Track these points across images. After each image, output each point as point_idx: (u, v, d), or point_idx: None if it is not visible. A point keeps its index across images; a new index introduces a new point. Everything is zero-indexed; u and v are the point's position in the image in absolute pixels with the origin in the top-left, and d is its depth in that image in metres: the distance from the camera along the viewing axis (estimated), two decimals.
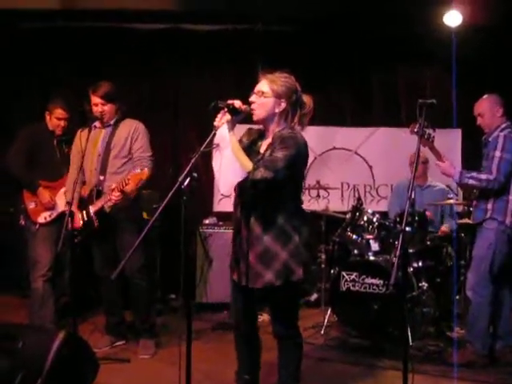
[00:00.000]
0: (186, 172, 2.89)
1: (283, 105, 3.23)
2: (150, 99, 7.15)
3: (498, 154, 4.38)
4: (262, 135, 3.31)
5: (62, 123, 5.19)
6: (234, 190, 3.32)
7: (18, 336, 3.41)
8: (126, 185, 4.30)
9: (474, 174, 4.43)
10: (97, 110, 4.69)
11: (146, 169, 4.41)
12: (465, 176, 4.43)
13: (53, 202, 5.08)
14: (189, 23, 6.99)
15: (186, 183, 2.90)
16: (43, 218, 5.07)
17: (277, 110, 3.23)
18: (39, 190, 5.07)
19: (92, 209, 4.62)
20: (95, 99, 4.69)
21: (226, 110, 3.10)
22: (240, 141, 3.15)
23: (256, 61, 6.62)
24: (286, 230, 3.18)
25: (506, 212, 4.39)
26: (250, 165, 3.08)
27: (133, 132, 4.75)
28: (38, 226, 5.06)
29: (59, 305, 5.50)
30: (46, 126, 5.22)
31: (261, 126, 3.32)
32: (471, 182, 4.43)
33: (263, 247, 3.16)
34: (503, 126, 4.53)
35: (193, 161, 2.91)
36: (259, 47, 6.89)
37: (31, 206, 5.09)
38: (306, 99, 3.32)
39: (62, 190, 5.10)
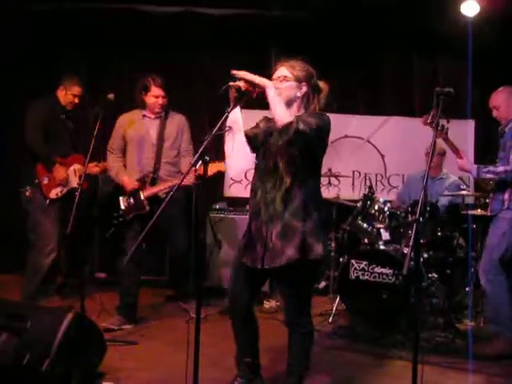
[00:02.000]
0: (197, 155, 2.87)
1: (304, 89, 3.26)
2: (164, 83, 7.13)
3: None
4: None
5: (77, 100, 5.36)
6: (254, 174, 3.32)
7: (26, 316, 3.43)
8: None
9: (491, 168, 4.39)
10: (157, 101, 4.91)
11: (223, 163, 4.47)
12: (482, 171, 4.39)
13: (67, 179, 5.21)
14: (202, 7, 6.94)
15: (197, 166, 2.88)
16: (54, 194, 5.22)
17: (299, 94, 3.26)
18: (56, 166, 5.20)
19: (144, 194, 4.85)
20: (159, 91, 4.91)
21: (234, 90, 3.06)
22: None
23: (270, 46, 6.60)
24: (308, 206, 3.17)
25: None
26: (291, 116, 3.05)
27: (182, 125, 5.09)
28: (48, 202, 5.19)
29: (56, 284, 5.58)
30: (57, 101, 5.34)
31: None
32: (489, 175, 4.39)
33: (283, 224, 3.15)
34: None
35: (205, 143, 2.89)
36: (273, 32, 6.83)
37: (45, 181, 5.20)
38: (322, 84, 3.36)
39: (73, 166, 5.25)
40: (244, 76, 3.04)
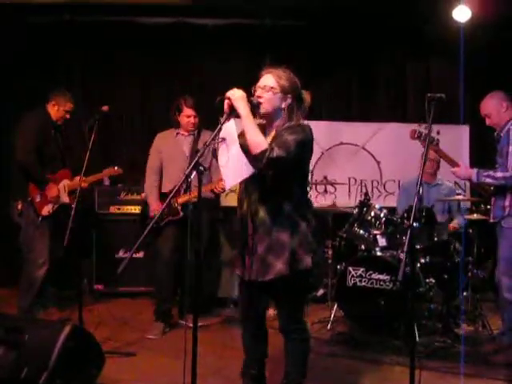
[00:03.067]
0: (192, 165, 2.88)
1: (289, 100, 3.22)
2: (156, 93, 7.16)
3: (511, 149, 4.33)
4: (263, 133, 3.25)
5: (68, 115, 5.42)
6: (240, 185, 3.31)
7: (24, 329, 3.43)
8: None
9: (491, 173, 4.39)
10: (190, 121, 5.26)
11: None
12: (482, 175, 4.39)
13: (59, 196, 5.27)
14: (195, 17, 6.98)
15: (192, 176, 2.90)
16: (46, 211, 5.25)
17: (283, 106, 3.22)
18: (48, 185, 5.26)
19: (179, 200, 5.13)
20: (190, 111, 5.25)
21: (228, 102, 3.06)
22: (241, 135, 3.11)
23: (263, 55, 6.62)
24: (294, 218, 3.16)
25: None
26: (265, 144, 3.04)
27: None
28: (40, 219, 5.23)
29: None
30: (48, 116, 5.36)
31: (263, 121, 3.28)
32: (488, 180, 4.39)
33: (272, 238, 3.14)
34: None
35: (199, 154, 2.91)
36: (266, 42, 6.87)
37: (37, 199, 5.24)
38: (306, 95, 3.32)
39: (62, 182, 5.32)
40: (229, 96, 3.04)
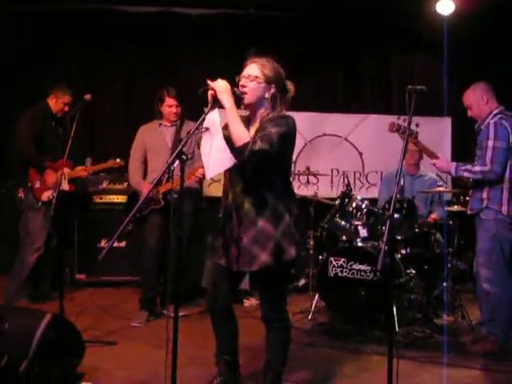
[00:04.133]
0: (174, 154, 2.88)
1: (273, 90, 3.22)
2: (140, 83, 7.13)
3: (490, 143, 4.33)
4: (247, 122, 3.26)
5: (67, 108, 5.63)
6: (224, 174, 3.32)
7: (3, 318, 3.42)
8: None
9: (469, 167, 4.40)
10: (171, 110, 5.28)
11: None
12: (460, 169, 4.41)
13: (57, 182, 5.34)
14: (181, 7, 6.96)
15: (175, 165, 2.90)
16: (46, 196, 5.47)
17: (267, 95, 3.22)
18: (47, 171, 5.48)
19: (161, 189, 5.15)
20: (172, 101, 5.27)
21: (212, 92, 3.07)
22: (225, 127, 3.12)
23: (248, 46, 6.60)
24: (278, 209, 3.18)
25: (502, 201, 4.34)
26: (247, 136, 3.06)
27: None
28: (40, 204, 5.44)
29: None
30: (48, 108, 5.61)
31: (245, 113, 3.29)
32: (466, 174, 4.40)
33: (257, 229, 3.16)
34: (495, 111, 4.48)
35: (182, 143, 2.91)
36: (251, 32, 6.86)
37: (37, 185, 5.49)
38: (289, 85, 3.33)
39: (63, 170, 5.37)
40: (213, 87, 3.04)
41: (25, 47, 6.82)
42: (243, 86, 3.18)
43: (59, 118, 5.64)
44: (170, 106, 5.28)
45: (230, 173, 3.26)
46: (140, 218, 5.21)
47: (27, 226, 5.52)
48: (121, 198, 6.46)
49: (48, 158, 5.48)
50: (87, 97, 4.71)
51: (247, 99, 3.19)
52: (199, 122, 3.04)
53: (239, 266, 3.23)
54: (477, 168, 4.38)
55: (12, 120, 5.65)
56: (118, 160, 5.63)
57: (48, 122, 5.56)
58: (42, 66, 6.95)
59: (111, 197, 6.57)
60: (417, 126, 4.35)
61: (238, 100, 3.16)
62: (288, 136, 3.15)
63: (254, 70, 3.21)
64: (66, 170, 5.50)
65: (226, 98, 3.04)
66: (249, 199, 3.18)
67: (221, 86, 3.04)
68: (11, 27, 6.72)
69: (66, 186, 5.50)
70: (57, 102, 5.60)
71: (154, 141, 5.33)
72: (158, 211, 5.19)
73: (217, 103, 3.06)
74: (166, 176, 5.09)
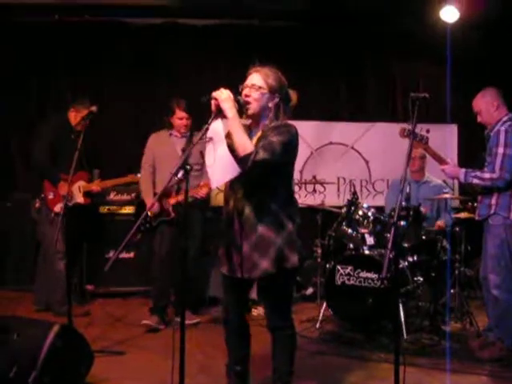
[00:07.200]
0: (179, 165, 2.90)
1: (276, 99, 3.23)
2: (144, 94, 7.16)
3: (500, 150, 4.33)
4: (249, 131, 3.27)
5: (87, 121, 5.54)
6: (226, 183, 3.33)
7: (12, 328, 3.44)
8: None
9: (478, 174, 4.39)
10: (182, 123, 5.35)
11: None
12: (469, 176, 4.40)
13: (71, 194, 5.54)
14: (186, 18, 7.00)
15: (179, 176, 2.92)
16: (59, 208, 5.47)
17: (270, 105, 3.23)
18: (60, 184, 5.53)
19: (170, 201, 5.23)
20: (183, 114, 5.34)
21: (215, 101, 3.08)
22: (228, 136, 3.13)
23: (252, 56, 6.63)
24: (280, 217, 3.19)
25: (510, 207, 4.33)
26: (251, 146, 3.07)
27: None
28: (53, 215, 5.51)
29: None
30: (67, 121, 5.73)
31: (248, 122, 3.30)
32: (475, 181, 4.40)
33: (258, 236, 3.17)
34: (505, 118, 4.48)
35: (186, 153, 2.93)
36: (255, 42, 6.90)
37: (50, 196, 5.59)
38: (292, 94, 3.35)
39: (78, 183, 5.63)
40: (216, 97, 3.06)
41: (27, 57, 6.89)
42: (247, 96, 3.19)
43: (79, 131, 5.56)
44: (181, 119, 5.34)
45: (231, 180, 3.24)
46: (150, 228, 5.28)
47: (45, 238, 5.61)
48: (128, 209, 6.49)
49: (64, 171, 5.42)
50: (93, 108, 4.76)
51: (251, 109, 3.20)
52: (202, 131, 3.05)
53: (238, 273, 3.24)
54: (486, 175, 4.37)
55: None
56: (138, 175, 5.60)
57: (67, 135, 5.56)
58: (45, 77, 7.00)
59: (119, 207, 6.59)
60: (427, 131, 4.34)
61: (241, 109, 3.18)
62: (290, 145, 3.16)
63: (258, 80, 3.22)
64: (82, 183, 5.66)
65: (229, 108, 3.05)
66: (249, 205, 3.18)
67: (223, 96, 3.06)
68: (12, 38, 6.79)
69: (80, 199, 5.66)
70: (76, 116, 5.65)
71: (164, 150, 5.35)
72: (169, 222, 5.25)
73: (220, 113, 3.08)
74: (176, 187, 5.20)
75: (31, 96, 7.00)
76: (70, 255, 5.19)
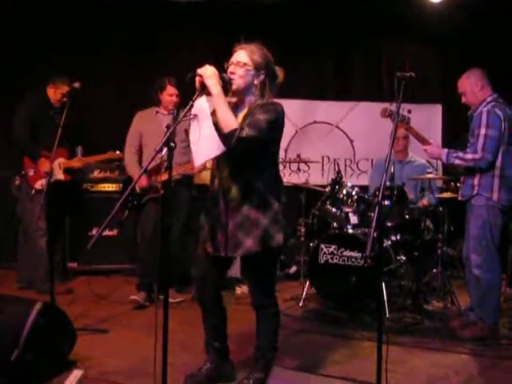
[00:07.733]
0: (162, 141, 2.88)
1: (262, 76, 3.22)
2: (130, 72, 7.09)
3: (482, 131, 4.33)
4: (235, 108, 3.25)
5: (65, 98, 5.47)
6: (212, 161, 3.31)
7: None
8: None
9: (460, 154, 4.40)
10: (172, 99, 5.34)
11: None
12: (452, 156, 4.41)
13: (52, 171, 5.41)
14: None
15: (163, 153, 2.90)
16: (39, 184, 5.50)
17: (256, 82, 3.22)
18: (41, 160, 5.50)
19: (160, 178, 5.20)
20: (173, 90, 5.34)
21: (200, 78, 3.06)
22: (213, 113, 3.11)
23: (239, 31, 6.57)
24: (267, 196, 3.19)
25: (493, 188, 4.36)
26: (235, 123, 3.05)
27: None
28: (34, 192, 5.49)
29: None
30: (46, 98, 5.68)
31: (234, 99, 3.28)
32: (458, 161, 4.41)
33: (243, 216, 3.17)
34: (489, 99, 4.48)
35: (170, 130, 2.90)
36: (242, 18, 6.82)
37: (30, 173, 5.56)
38: (278, 71, 3.32)
39: (58, 160, 5.58)
40: (201, 74, 3.03)
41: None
42: (232, 73, 3.17)
43: (57, 107, 5.63)
44: (171, 95, 5.33)
45: (217, 158, 3.24)
46: (137, 205, 5.28)
47: (26, 216, 5.62)
48: (112, 187, 6.46)
49: (43, 147, 5.48)
50: (76, 85, 4.73)
51: (236, 85, 3.18)
52: (187, 108, 3.02)
53: (227, 252, 3.24)
54: (468, 156, 4.39)
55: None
56: (117, 152, 5.66)
57: (45, 111, 5.59)
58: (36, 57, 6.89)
59: (103, 185, 6.55)
60: (409, 112, 4.36)
61: (226, 86, 3.15)
62: (276, 123, 3.15)
63: (243, 57, 3.20)
64: (62, 160, 5.62)
65: (214, 84, 3.02)
66: (235, 184, 3.18)
67: (208, 72, 3.03)
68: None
69: (61, 176, 5.62)
70: (55, 92, 5.64)
71: (150, 128, 5.34)
72: (156, 200, 5.23)
73: (204, 90, 3.05)
74: (166, 164, 5.12)
75: (14, 73, 6.89)
76: (52, 232, 5.15)
